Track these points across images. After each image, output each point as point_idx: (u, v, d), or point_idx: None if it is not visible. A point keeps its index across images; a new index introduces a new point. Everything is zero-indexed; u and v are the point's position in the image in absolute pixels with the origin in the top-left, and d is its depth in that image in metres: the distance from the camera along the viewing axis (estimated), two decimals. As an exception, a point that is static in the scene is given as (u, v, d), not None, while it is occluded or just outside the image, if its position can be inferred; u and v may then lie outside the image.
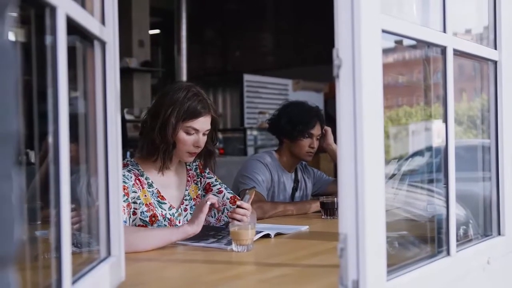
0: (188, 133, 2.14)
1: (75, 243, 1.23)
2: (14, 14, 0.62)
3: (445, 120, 1.50)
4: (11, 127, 0.57)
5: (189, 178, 2.31)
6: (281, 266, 1.65)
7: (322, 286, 1.45)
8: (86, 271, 1.19)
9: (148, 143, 2.15)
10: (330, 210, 2.59)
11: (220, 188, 2.34)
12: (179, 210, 2.22)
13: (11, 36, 0.60)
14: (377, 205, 1.19)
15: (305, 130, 2.91)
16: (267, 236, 2.07)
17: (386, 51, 1.28)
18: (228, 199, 2.31)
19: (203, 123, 2.15)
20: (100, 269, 1.25)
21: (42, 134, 1.01)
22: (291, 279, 1.52)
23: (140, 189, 2.12)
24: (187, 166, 2.34)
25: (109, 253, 1.34)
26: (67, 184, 0.99)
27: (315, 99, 6.80)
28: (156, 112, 2.13)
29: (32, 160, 1.28)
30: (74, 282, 1.06)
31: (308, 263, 1.70)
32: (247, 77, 7.70)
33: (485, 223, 1.81)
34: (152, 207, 2.12)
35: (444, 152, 1.50)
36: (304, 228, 2.31)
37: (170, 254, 1.80)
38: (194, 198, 2.30)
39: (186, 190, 2.29)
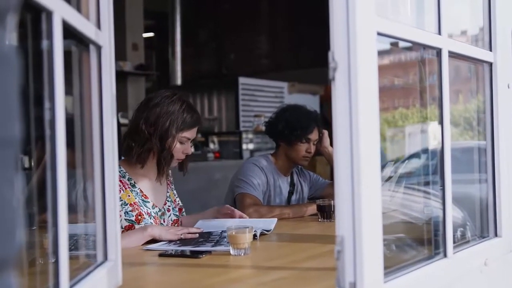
0: (181, 143, 2.23)
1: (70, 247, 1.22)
2: (15, 20, 0.62)
3: (441, 122, 1.50)
4: (13, 132, 0.57)
5: (169, 182, 2.41)
6: (279, 269, 1.65)
7: (320, 289, 1.45)
8: (83, 276, 1.19)
9: (145, 151, 2.19)
10: (326, 213, 2.59)
11: (169, 206, 2.37)
12: (162, 209, 2.30)
13: (13, 41, 0.60)
14: (374, 207, 1.19)
15: (303, 135, 2.89)
16: (261, 234, 2.10)
17: (381, 53, 1.28)
18: (172, 221, 2.35)
19: (195, 132, 2.28)
20: (97, 274, 1.25)
21: (37, 138, 1.00)
22: (289, 282, 1.51)
23: (123, 190, 2.17)
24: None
25: (106, 258, 1.34)
26: (64, 188, 0.98)
27: (310, 101, 6.80)
28: (154, 122, 2.18)
29: (26, 165, 1.28)
30: (71, 287, 1.06)
31: (306, 266, 1.70)
32: (242, 80, 7.68)
33: (482, 224, 1.81)
34: (137, 206, 2.18)
35: (440, 154, 1.51)
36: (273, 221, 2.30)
37: (167, 259, 1.79)
38: (173, 201, 2.39)
39: (167, 192, 2.37)
